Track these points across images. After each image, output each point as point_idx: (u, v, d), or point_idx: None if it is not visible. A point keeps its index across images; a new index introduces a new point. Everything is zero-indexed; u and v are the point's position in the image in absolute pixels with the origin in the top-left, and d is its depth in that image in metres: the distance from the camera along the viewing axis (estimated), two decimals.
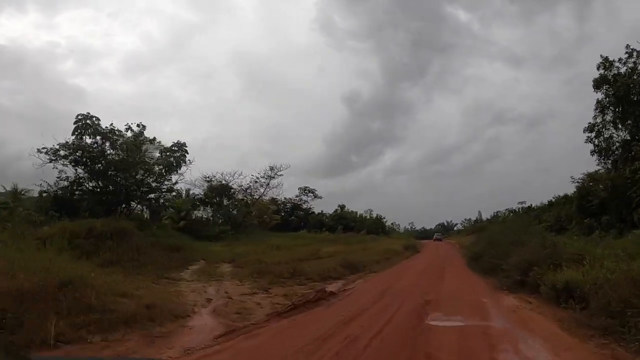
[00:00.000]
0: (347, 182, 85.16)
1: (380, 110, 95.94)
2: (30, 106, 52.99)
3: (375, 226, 51.01)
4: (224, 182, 29.82)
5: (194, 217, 29.43)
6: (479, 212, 63.91)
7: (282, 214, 51.57)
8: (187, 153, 29.37)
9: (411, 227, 78.92)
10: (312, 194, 52.64)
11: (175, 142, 29.16)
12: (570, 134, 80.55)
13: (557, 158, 74.21)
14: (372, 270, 16.77)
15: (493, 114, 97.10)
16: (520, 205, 43.74)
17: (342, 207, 52.65)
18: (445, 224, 78.71)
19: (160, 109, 72.76)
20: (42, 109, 53.44)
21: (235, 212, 29.74)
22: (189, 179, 30.00)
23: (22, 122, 49.75)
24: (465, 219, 70.75)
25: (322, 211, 52.66)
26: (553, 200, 33.56)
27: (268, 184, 33.30)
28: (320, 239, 28.25)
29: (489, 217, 54.05)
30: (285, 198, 51.73)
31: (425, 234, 69.48)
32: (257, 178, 33.40)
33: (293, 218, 50.95)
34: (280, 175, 33.83)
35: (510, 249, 13.37)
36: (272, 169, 33.89)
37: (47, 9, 75.41)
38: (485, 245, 18.52)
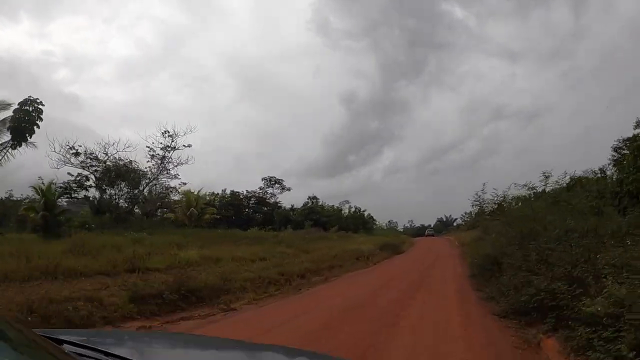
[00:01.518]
0: (346, 182, 79.53)
1: (377, 110, 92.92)
2: None
3: (354, 222, 40.68)
4: (100, 155, 19.81)
5: (61, 209, 19.96)
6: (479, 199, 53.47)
7: (246, 210, 42.32)
8: (42, 112, 19.88)
9: (410, 225, 74.07)
10: (279, 185, 42.74)
11: (26, 97, 19.81)
12: (568, 127, 75.54)
13: (556, 152, 67.44)
14: (230, 307, 6.94)
15: (491, 110, 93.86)
16: (530, 192, 33.68)
17: (314, 199, 42.48)
18: (444, 219, 69.76)
19: (157, 114, 68.82)
20: None
21: (120, 200, 19.93)
22: (58, 154, 20.37)
23: None
24: (465, 213, 61.19)
25: (292, 206, 42.60)
26: (573, 181, 23.36)
27: (165, 157, 20.98)
28: (241, 237, 18.50)
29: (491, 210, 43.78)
30: (247, 191, 42.42)
31: (424, 231, 64.35)
32: (153, 150, 21.37)
33: (258, 215, 41.25)
34: (188, 146, 21.89)
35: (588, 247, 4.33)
36: (165, 133, 21.54)
37: (40, 17, 69.08)
38: (506, 240, 8.63)
